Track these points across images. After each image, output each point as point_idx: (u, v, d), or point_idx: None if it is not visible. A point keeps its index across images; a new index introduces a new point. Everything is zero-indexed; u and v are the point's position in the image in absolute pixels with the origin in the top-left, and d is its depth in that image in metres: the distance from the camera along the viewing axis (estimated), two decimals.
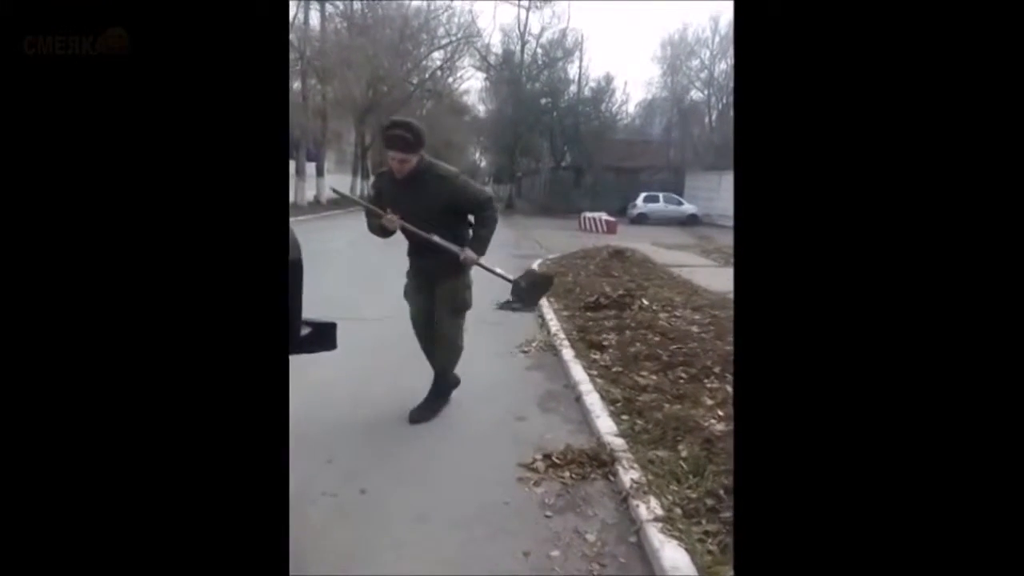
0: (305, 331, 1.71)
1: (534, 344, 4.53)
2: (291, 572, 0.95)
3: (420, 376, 3.31)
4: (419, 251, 2.97)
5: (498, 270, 3.00)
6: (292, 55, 17.14)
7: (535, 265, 8.45)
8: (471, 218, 2.98)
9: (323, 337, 1.77)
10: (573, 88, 28.59)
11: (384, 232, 2.98)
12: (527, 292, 3.04)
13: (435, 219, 2.88)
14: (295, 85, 18.76)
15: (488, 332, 4.89)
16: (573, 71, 29.03)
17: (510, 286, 3.23)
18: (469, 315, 3.08)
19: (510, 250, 10.95)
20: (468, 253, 2.89)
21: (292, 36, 17.09)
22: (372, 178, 3.12)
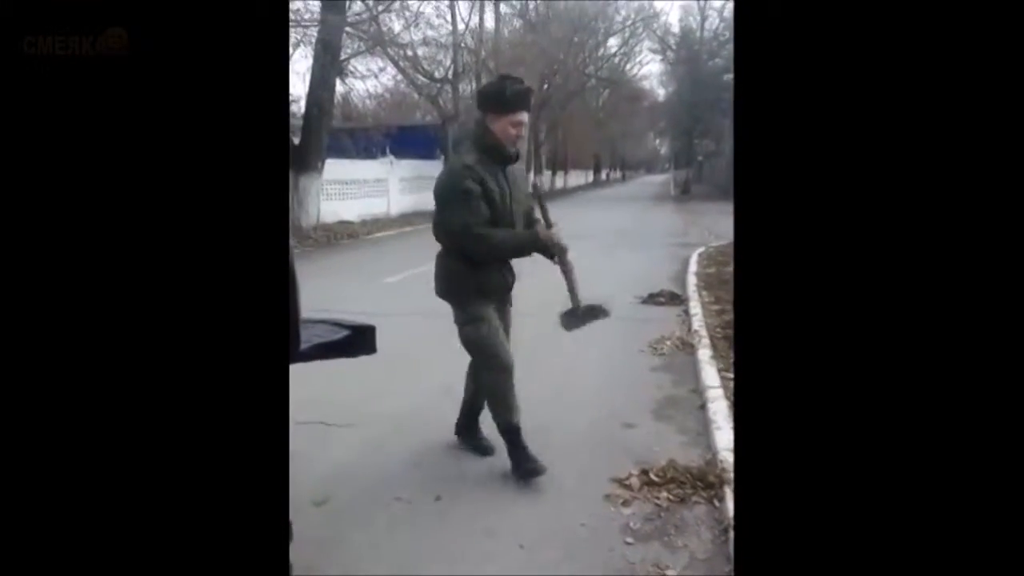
0: (342, 334, 1.68)
1: (668, 342, 4.16)
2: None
3: (525, 382, 3.17)
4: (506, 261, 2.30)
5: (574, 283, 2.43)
6: (468, 58, 17.71)
7: (695, 254, 7.85)
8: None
9: (361, 341, 1.73)
10: None
11: (544, 251, 2.22)
12: (582, 318, 2.45)
13: (525, 218, 2.29)
14: (472, 87, 19.40)
15: (620, 328, 4.57)
16: None
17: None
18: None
19: (676, 238, 10.32)
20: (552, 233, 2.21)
21: (469, 39, 17.65)
22: (454, 167, 2.09)
